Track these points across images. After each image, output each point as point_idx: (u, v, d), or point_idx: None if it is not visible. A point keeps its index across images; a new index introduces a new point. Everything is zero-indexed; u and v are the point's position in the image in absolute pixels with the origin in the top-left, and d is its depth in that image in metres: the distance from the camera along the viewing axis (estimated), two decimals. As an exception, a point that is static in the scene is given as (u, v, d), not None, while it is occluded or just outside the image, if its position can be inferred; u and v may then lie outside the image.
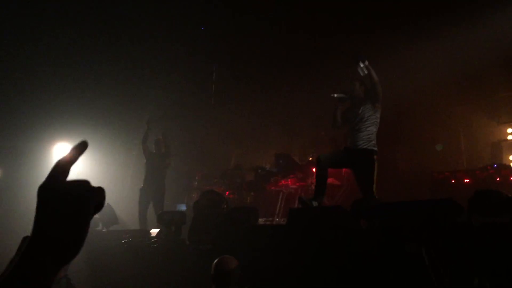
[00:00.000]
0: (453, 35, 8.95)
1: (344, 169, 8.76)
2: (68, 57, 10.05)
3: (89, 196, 0.83)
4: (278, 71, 11.30)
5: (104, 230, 7.11)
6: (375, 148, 5.69)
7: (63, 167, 0.86)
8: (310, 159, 10.07)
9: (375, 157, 5.66)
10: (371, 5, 9.38)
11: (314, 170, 8.71)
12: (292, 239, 4.76)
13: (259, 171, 9.29)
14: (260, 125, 11.85)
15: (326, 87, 9.06)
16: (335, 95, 5.84)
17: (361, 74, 5.64)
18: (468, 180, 8.02)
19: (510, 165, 8.68)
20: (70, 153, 0.87)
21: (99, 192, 0.86)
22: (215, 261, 3.61)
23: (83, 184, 0.84)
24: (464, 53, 8.97)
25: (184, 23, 11.04)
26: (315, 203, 5.50)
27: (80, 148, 0.88)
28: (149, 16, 10.50)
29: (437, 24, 8.93)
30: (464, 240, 3.78)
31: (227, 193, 9.35)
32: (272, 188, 9.24)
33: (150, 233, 6.59)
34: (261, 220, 7.14)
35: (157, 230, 6.58)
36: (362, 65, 5.58)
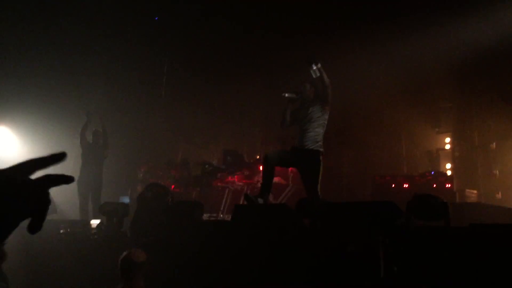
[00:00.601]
0: (401, 43, 9.29)
1: (290, 169, 8.89)
2: (11, 35, 9.58)
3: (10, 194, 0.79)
4: (231, 68, 11.30)
5: (41, 219, 6.83)
6: (321, 149, 5.80)
7: (29, 166, 0.82)
8: (258, 157, 10.15)
9: (321, 157, 5.77)
10: (325, 8, 9.57)
11: (261, 168, 8.81)
12: (236, 235, 4.77)
13: (206, 166, 9.24)
14: (209, 121, 11.80)
15: (277, 86, 9.17)
16: (286, 95, 5.89)
17: (313, 76, 5.72)
18: (407, 185, 8.37)
19: (446, 173, 9.15)
20: (45, 158, 0.84)
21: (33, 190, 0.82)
22: (123, 253, 3.54)
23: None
24: (410, 62, 9.34)
25: (138, 13, 10.81)
26: (260, 200, 5.53)
27: (57, 158, 0.85)
28: (101, 3, 10.20)
29: (386, 32, 9.23)
30: (402, 242, 3.93)
31: (172, 187, 9.24)
32: (219, 184, 9.22)
33: (90, 224, 6.39)
34: (205, 216, 7.12)
35: (98, 221, 6.39)
36: (314, 67, 5.65)
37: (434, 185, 8.11)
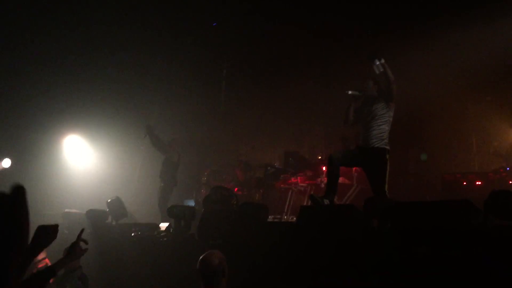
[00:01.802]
0: (469, 34, 8.84)
1: (354, 169, 8.71)
2: (79, 51, 10.06)
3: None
4: (290, 68, 11.25)
5: (114, 223, 7.11)
6: (388, 147, 5.63)
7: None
8: (320, 157, 10.04)
9: (387, 156, 5.60)
10: (386, 5, 9.30)
11: (324, 168, 8.71)
12: (303, 236, 4.72)
13: (269, 168, 9.25)
14: (270, 122, 11.81)
15: (338, 85, 9.02)
16: (349, 92, 5.79)
17: (377, 72, 5.57)
18: (479, 183, 7.93)
19: (523, 169, 8.59)
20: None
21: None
22: (200, 257, 3.56)
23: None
24: (479, 54, 8.87)
25: (196, 19, 11.01)
26: (326, 201, 5.45)
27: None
28: (160, 11, 10.48)
29: (453, 24, 8.82)
30: (480, 244, 3.71)
31: (236, 189, 9.33)
32: (281, 185, 9.21)
33: (159, 227, 6.57)
34: (269, 218, 7.11)
35: (166, 224, 6.56)
36: (378, 63, 5.51)
37: (510, 182, 7.64)
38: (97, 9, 9.66)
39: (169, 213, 6.17)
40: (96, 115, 10.34)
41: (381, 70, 5.53)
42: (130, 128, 10.39)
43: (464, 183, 8.11)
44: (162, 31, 10.76)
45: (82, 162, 10.65)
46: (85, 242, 3.10)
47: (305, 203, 8.16)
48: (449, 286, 3.63)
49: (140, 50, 10.70)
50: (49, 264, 4.91)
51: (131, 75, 10.82)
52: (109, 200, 7.29)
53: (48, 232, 2.63)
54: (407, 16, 9.28)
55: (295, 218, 6.87)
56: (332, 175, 5.70)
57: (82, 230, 3.14)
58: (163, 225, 6.53)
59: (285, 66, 11.32)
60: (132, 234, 6.22)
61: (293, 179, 9.16)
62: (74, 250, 2.94)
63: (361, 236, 4.36)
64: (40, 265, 5.07)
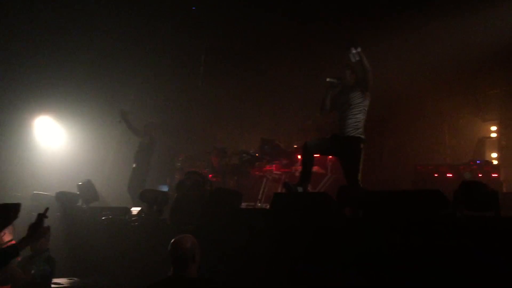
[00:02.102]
0: (445, 29, 8.94)
1: (328, 158, 8.76)
2: (53, 29, 9.78)
3: None
4: (269, 55, 11.18)
5: (84, 206, 6.99)
6: (363, 136, 5.67)
7: None
8: (295, 146, 10.05)
9: (361, 145, 5.64)
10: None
11: (299, 157, 8.72)
12: (276, 223, 4.72)
13: (244, 155, 9.22)
14: (247, 110, 11.76)
15: (314, 74, 9.02)
16: (328, 79, 5.78)
17: (352, 60, 5.57)
18: (451, 175, 8.07)
19: (492, 162, 8.77)
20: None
21: None
22: (172, 240, 3.50)
23: None
24: (453, 48, 8.98)
25: (175, 2, 10.82)
26: (300, 189, 5.46)
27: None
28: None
29: (429, 17, 8.90)
30: (449, 233, 3.77)
31: (210, 176, 9.28)
32: (256, 173, 9.20)
33: (131, 211, 6.49)
34: (243, 204, 7.10)
35: (138, 208, 6.49)
36: (354, 51, 5.51)
37: (480, 175, 7.79)
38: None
39: (142, 198, 6.10)
40: (69, 96, 10.10)
41: (357, 58, 5.53)
42: (104, 110, 10.20)
43: (436, 175, 8.24)
44: (139, 13, 10.54)
45: (54, 144, 10.41)
46: (45, 216, 3.00)
47: (279, 191, 8.17)
48: (418, 274, 3.68)
49: (116, 32, 10.47)
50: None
51: (107, 57, 10.58)
52: (80, 183, 7.16)
53: (10, 211, 2.55)
54: (386, 6, 9.32)
55: (268, 206, 6.87)
56: (306, 163, 5.70)
57: (46, 209, 3.05)
58: (135, 210, 6.45)
59: (264, 53, 11.25)
60: (103, 218, 6.12)
61: (268, 167, 9.16)
62: (36, 229, 2.86)
63: (333, 224, 4.39)
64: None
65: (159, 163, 10.27)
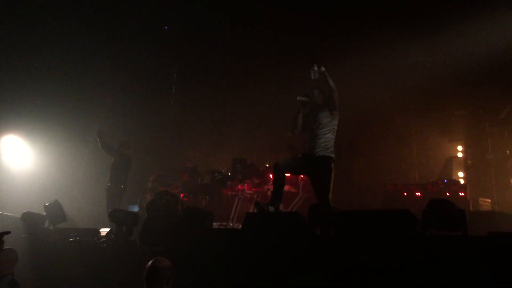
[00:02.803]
0: (413, 50, 9.21)
1: (300, 177, 8.81)
2: (21, 47, 9.63)
3: None
4: (239, 77, 11.28)
5: (51, 227, 6.80)
6: (333, 155, 5.72)
7: None
8: (267, 165, 10.07)
9: (332, 164, 5.68)
10: (336, 14, 9.54)
11: (271, 176, 8.74)
12: (247, 243, 4.70)
13: (216, 174, 9.19)
14: (218, 129, 11.77)
15: (284, 94, 9.12)
16: (298, 98, 5.84)
17: (312, 77, 5.65)
18: (419, 194, 8.23)
19: (459, 181, 8.99)
20: None
21: None
22: (148, 263, 3.49)
23: None
24: (422, 69, 9.25)
25: (147, 22, 10.83)
26: (271, 208, 5.45)
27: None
28: (110, 13, 10.24)
29: (398, 38, 9.15)
30: (418, 252, 3.82)
31: (181, 195, 9.18)
32: (228, 192, 9.15)
33: (99, 232, 6.34)
34: (215, 224, 7.04)
35: (107, 229, 6.35)
36: (316, 69, 5.60)
37: (448, 194, 7.97)
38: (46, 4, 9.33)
39: (111, 217, 5.98)
40: (37, 115, 9.89)
41: (316, 76, 5.63)
42: (72, 130, 10.02)
43: (405, 194, 8.40)
44: (111, 32, 10.51)
45: (20, 163, 10.13)
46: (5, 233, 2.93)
47: (251, 211, 8.15)
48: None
49: (88, 51, 10.38)
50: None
51: (77, 75, 10.45)
52: (47, 204, 6.97)
53: None
54: (356, 27, 9.55)
55: (241, 226, 6.84)
56: (278, 182, 5.71)
57: (4, 233, 2.98)
58: (104, 230, 6.31)
59: (235, 73, 11.34)
60: (70, 240, 5.96)
61: (240, 186, 9.13)
62: None
63: (304, 244, 4.39)
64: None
65: (130, 183, 10.11)
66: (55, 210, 6.94)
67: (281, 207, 6.56)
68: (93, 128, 8.94)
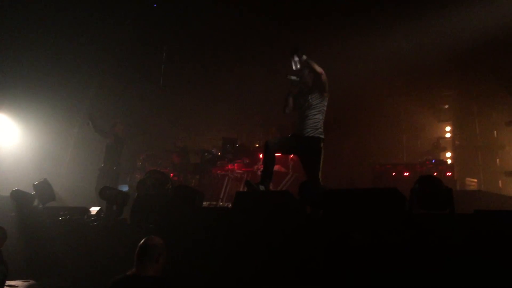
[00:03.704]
0: (401, 31, 9.20)
1: (290, 157, 8.85)
2: (7, 27, 9.44)
3: None
4: (229, 55, 11.20)
5: (40, 206, 6.77)
6: (322, 136, 5.76)
7: None
8: (257, 145, 10.10)
9: (321, 144, 5.73)
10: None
11: (261, 156, 8.77)
12: (238, 222, 4.73)
13: (206, 154, 9.20)
14: (208, 109, 11.72)
15: (275, 73, 9.08)
16: (288, 76, 5.83)
17: (294, 68, 5.70)
18: (407, 173, 8.35)
19: (446, 161, 9.12)
20: None
21: None
22: (141, 240, 3.50)
23: None
24: (410, 50, 9.26)
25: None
26: (262, 187, 5.49)
27: None
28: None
29: (387, 18, 9.13)
30: (405, 231, 3.88)
31: (171, 175, 9.20)
32: (218, 172, 9.18)
33: (89, 211, 6.34)
34: (205, 203, 7.08)
35: (97, 208, 6.34)
36: (296, 59, 5.63)
37: (435, 174, 8.08)
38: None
39: (101, 195, 5.96)
40: (25, 93, 9.74)
41: (299, 67, 5.65)
42: (60, 109, 9.92)
43: (393, 174, 8.51)
44: (99, 11, 10.33)
45: (8, 142, 10.02)
46: None
47: (241, 190, 8.19)
48: (376, 271, 3.77)
49: (77, 30, 10.21)
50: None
51: (65, 54, 10.29)
52: (36, 183, 6.93)
53: None
54: (345, 10, 9.50)
55: (231, 205, 6.87)
56: (268, 161, 5.74)
57: None
58: (94, 209, 6.31)
59: (225, 52, 11.25)
60: (60, 218, 5.96)
61: (230, 166, 9.16)
62: None
63: (294, 222, 4.44)
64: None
65: (120, 163, 10.10)
66: (44, 189, 6.90)
67: (271, 187, 6.62)
68: (82, 110, 8.90)
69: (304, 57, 5.66)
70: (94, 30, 10.43)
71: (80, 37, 10.30)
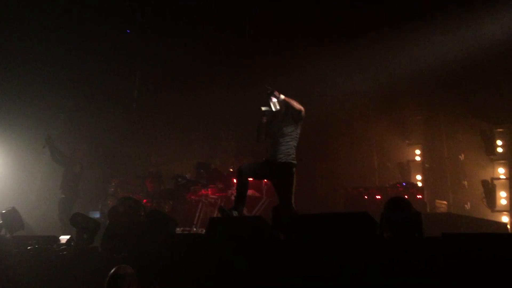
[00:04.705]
0: (370, 57, 9.47)
1: (264, 182, 8.88)
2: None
3: None
4: (203, 81, 11.27)
5: (8, 235, 6.59)
6: (294, 162, 5.85)
7: None
8: (231, 170, 10.09)
9: (294, 169, 5.81)
10: (297, 21, 9.69)
11: (234, 181, 8.76)
12: (211, 248, 4.71)
13: (179, 179, 9.13)
14: (182, 134, 11.70)
15: (249, 99, 9.19)
16: (263, 108, 5.92)
17: (273, 109, 5.82)
18: (379, 197, 8.48)
19: (417, 184, 9.30)
20: None
21: None
22: (110, 271, 3.46)
23: None
24: (380, 76, 9.53)
25: (110, 25, 10.69)
26: (235, 213, 5.50)
27: None
28: (70, 15, 10.07)
29: (356, 45, 9.38)
30: (377, 254, 3.93)
31: (144, 201, 9.09)
32: (192, 197, 9.13)
33: (59, 240, 6.19)
34: (178, 230, 7.01)
35: (67, 237, 6.20)
36: (275, 100, 5.75)
37: (406, 196, 8.21)
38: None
39: (72, 222, 5.84)
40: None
41: (278, 108, 5.76)
42: (30, 134, 9.76)
43: (366, 197, 8.63)
44: (72, 35, 10.31)
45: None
46: None
47: (215, 215, 8.15)
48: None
49: (48, 53, 10.15)
50: None
51: (36, 79, 10.19)
52: (3, 211, 6.75)
53: None
54: (318, 32, 9.73)
55: (204, 231, 6.83)
56: (241, 186, 5.77)
57: None
58: (64, 238, 6.16)
59: (198, 77, 11.33)
60: (29, 248, 5.80)
61: (203, 191, 9.12)
62: None
63: (268, 248, 4.45)
64: None
65: (90, 189, 9.93)
66: (13, 218, 6.73)
67: (245, 212, 6.62)
68: (44, 134, 8.81)
69: (282, 96, 5.79)
70: (68, 53, 10.39)
71: (54, 60, 10.24)
